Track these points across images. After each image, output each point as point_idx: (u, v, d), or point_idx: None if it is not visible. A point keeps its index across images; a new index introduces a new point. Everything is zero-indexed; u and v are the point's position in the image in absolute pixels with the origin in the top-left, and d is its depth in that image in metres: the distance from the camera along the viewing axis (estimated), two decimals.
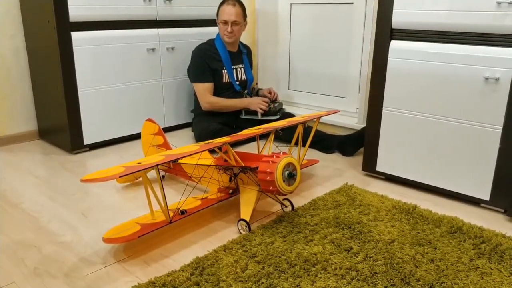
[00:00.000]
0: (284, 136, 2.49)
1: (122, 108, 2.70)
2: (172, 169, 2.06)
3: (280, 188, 1.61)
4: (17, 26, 2.65)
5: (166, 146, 2.10)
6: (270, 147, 1.91)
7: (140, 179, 2.12)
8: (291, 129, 1.94)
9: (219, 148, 1.67)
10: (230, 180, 1.81)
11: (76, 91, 2.48)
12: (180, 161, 1.96)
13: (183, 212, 1.64)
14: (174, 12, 2.84)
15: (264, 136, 1.84)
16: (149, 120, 2.13)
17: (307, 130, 2.26)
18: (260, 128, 1.87)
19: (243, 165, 1.70)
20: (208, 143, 1.67)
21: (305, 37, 3.21)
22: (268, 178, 1.60)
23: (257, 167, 1.65)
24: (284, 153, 1.67)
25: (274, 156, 1.64)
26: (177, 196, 1.97)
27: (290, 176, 1.63)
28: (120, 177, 1.31)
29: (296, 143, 2.04)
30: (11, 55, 2.66)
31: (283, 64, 3.39)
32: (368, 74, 2.69)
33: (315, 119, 2.05)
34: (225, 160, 1.75)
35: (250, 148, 2.54)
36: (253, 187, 1.72)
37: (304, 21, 3.19)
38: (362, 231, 1.65)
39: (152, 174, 2.10)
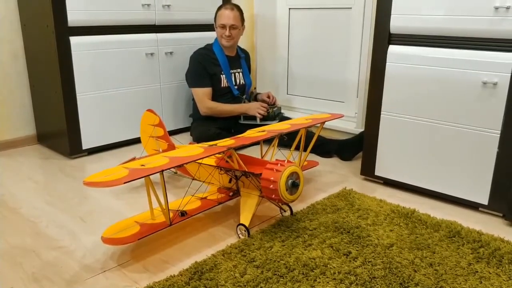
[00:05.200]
0: (287, 140, 2.48)
1: (120, 112, 2.70)
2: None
3: (282, 197, 1.60)
4: (16, 31, 2.65)
5: (166, 138, 2.10)
6: (273, 152, 1.91)
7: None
8: (293, 132, 1.94)
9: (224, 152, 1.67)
10: (229, 181, 1.81)
11: (74, 96, 2.48)
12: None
13: (183, 214, 1.64)
14: (172, 17, 2.85)
15: (266, 139, 1.83)
16: (150, 110, 2.13)
17: (308, 134, 2.25)
18: (264, 131, 1.86)
19: (246, 169, 1.70)
20: (213, 144, 1.66)
21: (304, 42, 3.22)
22: (271, 186, 1.59)
23: (261, 174, 1.64)
24: (288, 161, 1.66)
25: (279, 164, 1.62)
26: (177, 198, 1.97)
27: (294, 185, 1.62)
28: (125, 182, 1.30)
29: (297, 147, 2.04)
30: (10, 60, 2.66)
31: (282, 69, 3.39)
32: (367, 78, 2.69)
33: (318, 124, 2.05)
34: (227, 161, 1.74)
35: (252, 151, 2.54)
36: (254, 192, 1.71)
37: (303, 26, 3.20)
38: (361, 236, 1.65)
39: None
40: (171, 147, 2.09)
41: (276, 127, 1.93)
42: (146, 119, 2.16)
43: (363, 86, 2.82)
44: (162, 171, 1.41)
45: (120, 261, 1.52)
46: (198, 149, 1.61)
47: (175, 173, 2.17)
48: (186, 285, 1.36)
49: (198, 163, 1.87)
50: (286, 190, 1.60)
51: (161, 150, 2.14)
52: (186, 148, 1.67)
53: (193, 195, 1.79)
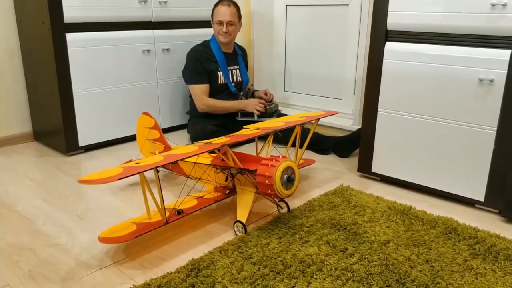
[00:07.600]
0: (281, 136, 2.49)
1: (117, 109, 2.70)
2: (168, 166, 2.06)
3: (278, 192, 1.60)
4: (12, 28, 2.63)
5: (162, 141, 2.10)
6: (268, 149, 1.91)
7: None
8: (289, 129, 1.94)
9: (218, 149, 1.67)
10: (226, 180, 1.81)
11: (71, 93, 2.47)
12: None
13: (179, 212, 1.64)
14: (169, 13, 2.84)
15: (262, 136, 1.83)
16: (145, 113, 2.13)
17: (304, 131, 2.26)
18: (259, 129, 1.86)
19: (241, 166, 1.70)
20: (207, 143, 1.66)
21: (301, 39, 3.21)
22: (266, 181, 1.60)
23: (256, 170, 1.65)
24: (283, 156, 1.66)
25: (274, 160, 1.63)
26: (174, 196, 1.97)
27: (289, 180, 1.63)
28: (119, 179, 1.30)
29: (293, 144, 2.04)
30: (6, 56, 2.65)
31: (279, 66, 3.39)
32: (364, 75, 2.69)
33: (313, 121, 2.05)
34: (223, 160, 1.74)
35: (248, 149, 2.54)
36: (250, 188, 1.71)
37: (300, 23, 3.19)
38: (358, 232, 1.66)
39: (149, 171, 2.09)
40: (167, 149, 2.09)
41: (270, 124, 1.94)
42: (142, 122, 2.15)
43: (360, 83, 2.82)
44: (156, 167, 1.41)
45: (117, 258, 1.52)
46: (193, 147, 1.61)
47: (169, 170, 2.16)
48: (183, 282, 1.36)
49: (193, 162, 1.87)
50: (282, 185, 1.60)
51: (157, 153, 2.14)
52: (182, 147, 1.67)
53: (188, 194, 1.79)
